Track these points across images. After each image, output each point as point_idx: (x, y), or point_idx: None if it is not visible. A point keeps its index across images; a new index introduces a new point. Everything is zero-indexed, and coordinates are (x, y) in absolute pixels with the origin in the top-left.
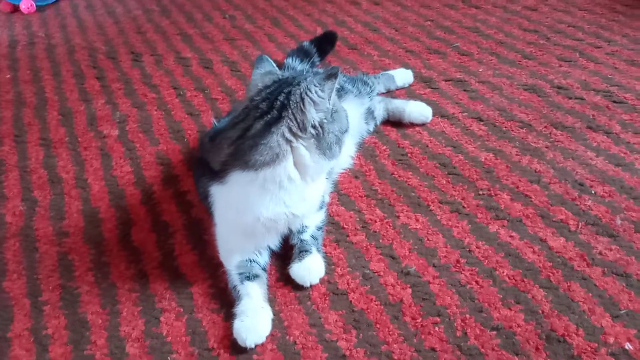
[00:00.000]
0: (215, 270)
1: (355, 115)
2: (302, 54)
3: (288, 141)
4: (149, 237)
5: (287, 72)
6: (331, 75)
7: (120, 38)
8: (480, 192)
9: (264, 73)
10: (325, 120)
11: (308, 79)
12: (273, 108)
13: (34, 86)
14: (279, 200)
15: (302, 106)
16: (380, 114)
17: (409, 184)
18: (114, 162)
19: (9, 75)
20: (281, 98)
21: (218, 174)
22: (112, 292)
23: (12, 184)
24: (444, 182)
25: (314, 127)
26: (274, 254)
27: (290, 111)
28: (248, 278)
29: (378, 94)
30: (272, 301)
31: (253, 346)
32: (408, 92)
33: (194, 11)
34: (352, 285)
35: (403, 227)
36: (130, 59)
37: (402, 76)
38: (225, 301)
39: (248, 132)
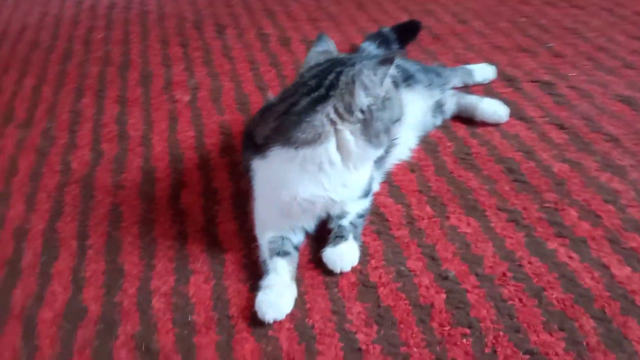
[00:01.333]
0: (251, 242)
1: (421, 107)
2: (380, 39)
3: (332, 122)
4: (197, 201)
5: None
6: (386, 61)
7: (208, 10)
8: (546, 205)
9: (321, 52)
10: (374, 107)
11: (363, 62)
12: (321, 86)
13: (123, 47)
14: (317, 182)
15: (352, 88)
16: (450, 108)
17: (467, 185)
18: (179, 126)
19: (102, 35)
20: (331, 77)
21: (260, 148)
22: (152, 247)
23: (84, 135)
24: (507, 188)
25: (362, 111)
26: (310, 235)
27: (338, 91)
28: (278, 254)
29: (454, 88)
30: (299, 281)
31: (271, 321)
32: (486, 90)
33: None
34: (384, 280)
35: (451, 229)
36: (214, 30)
37: (483, 71)
38: (254, 273)
39: (293, 107)
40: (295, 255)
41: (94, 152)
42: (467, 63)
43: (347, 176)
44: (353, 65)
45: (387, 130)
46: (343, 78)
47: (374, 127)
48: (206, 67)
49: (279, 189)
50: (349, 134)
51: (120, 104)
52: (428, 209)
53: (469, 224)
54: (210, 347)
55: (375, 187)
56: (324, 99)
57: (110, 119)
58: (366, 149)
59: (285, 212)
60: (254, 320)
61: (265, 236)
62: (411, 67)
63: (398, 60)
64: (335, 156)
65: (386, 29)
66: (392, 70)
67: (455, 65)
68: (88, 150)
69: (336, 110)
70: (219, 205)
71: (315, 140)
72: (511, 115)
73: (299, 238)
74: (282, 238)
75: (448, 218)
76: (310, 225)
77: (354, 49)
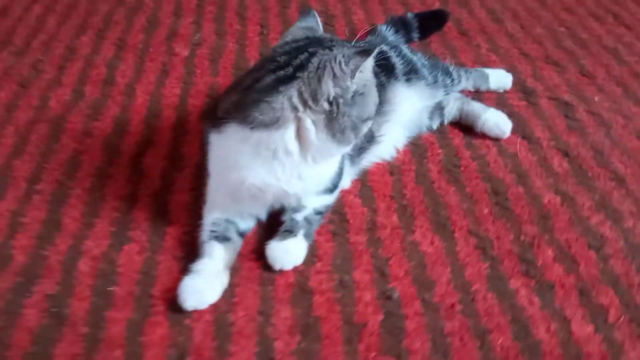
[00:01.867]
0: (198, 219)
1: (417, 105)
2: (400, 25)
3: (294, 108)
4: (159, 164)
5: (375, 39)
6: (363, 53)
7: None
8: (522, 238)
9: (304, 27)
10: (342, 100)
11: (342, 49)
12: (290, 65)
13: None
14: (270, 170)
15: (321, 73)
16: (451, 112)
17: (444, 200)
18: (168, 81)
19: None
20: (303, 57)
21: (218, 122)
22: (98, 204)
23: (72, 73)
24: (486, 211)
25: (329, 102)
26: (262, 223)
27: (306, 74)
28: (217, 238)
29: (463, 91)
30: (235, 271)
31: (191, 309)
32: (499, 99)
33: None
34: (324, 287)
35: (412, 245)
36: None
37: (499, 78)
38: (192, 253)
39: (256, 84)
40: (237, 242)
41: (75, 94)
42: (487, 66)
43: (304, 169)
44: (330, 49)
45: (355, 128)
46: (314, 60)
47: (339, 121)
48: (215, 24)
49: (229, 170)
50: (311, 123)
51: (117, 48)
52: (394, 218)
53: (432, 243)
54: (121, 324)
55: (346, 184)
56: (289, 79)
57: (103, 61)
58: (328, 144)
59: (233, 195)
60: (174, 305)
61: (210, 216)
62: (418, 61)
63: (405, 51)
64: (293, 145)
65: (410, 15)
66: (370, 64)
67: (475, 66)
68: (70, 90)
69: (300, 95)
70: (180, 173)
71: (273, 123)
72: (516, 131)
73: (247, 224)
74: (228, 222)
75: (413, 232)
76: (261, 213)
77: (371, 31)
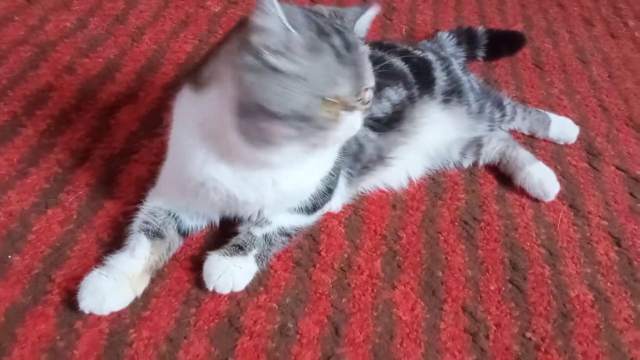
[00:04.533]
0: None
1: (449, 134)
2: (465, 37)
3: (234, 65)
4: (131, 124)
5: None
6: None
7: None
8: (528, 335)
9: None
10: (253, 64)
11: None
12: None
13: None
14: (214, 160)
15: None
16: (490, 153)
17: (446, 258)
18: (183, 35)
19: None
20: None
21: (182, 85)
22: (43, 152)
23: (86, 0)
24: (493, 287)
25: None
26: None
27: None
28: (147, 232)
29: (511, 132)
30: (160, 277)
31: (87, 312)
32: (555, 153)
33: None
34: (258, 329)
35: (386, 305)
36: None
37: (563, 128)
38: (119, 240)
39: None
40: (174, 241)
41: (79, 22)
42: (554, 110)
43: (251, 172)
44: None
45: (260, 128)
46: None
47: (243, 101)
48: None
49: (175, 148)
50: (232, 89)
51: None
52: (377, 263)
53: (412, 309)
54: (2, 305)
55: (335, 206)
56: (237, 29)
57: None
58: (234, 137)
59: (177, 183)
60: (71, 300)
61: (150, 203)
62: (467, 82)
63: (454, 66)
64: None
65: (481, 29)
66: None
67: (540, 106)
68: (74, 18)
69: (238, 49)
70: (149, 140)
71: (210, 82)
72: (563, 197)
73: (194, 223)
74: (169, 215)
75: (393, 288)
76: (213, 216)
77: (430, 36)
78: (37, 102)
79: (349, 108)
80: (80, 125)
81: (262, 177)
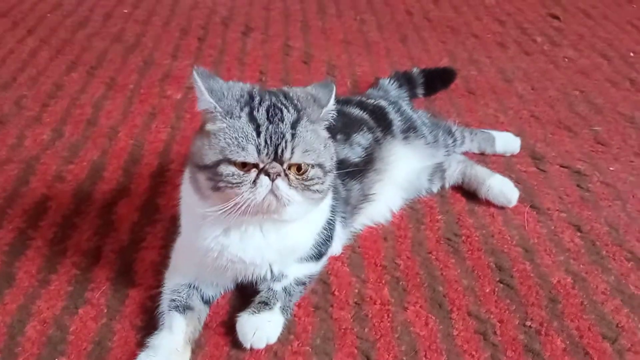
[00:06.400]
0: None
1: (415, 165)
2: (404, 80)
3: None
4: (131, 215)
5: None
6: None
7: (244, 9)
8: (528, 324)
9: None
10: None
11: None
12: None
13: (140, 28)
14: (220, 230)
15: None
16: (453, 175)
17: (442, 274)
18: (155, 125)
19: (126, 10)
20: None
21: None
22: (58, 259)
23: (55, 112)
24: (488, 289)
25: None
26: (238, 288)
27: None
28: (177, 308)
29: (467, 154)
30: (199, 347)
31: None
32: (505, 163)
33: (330, 5)
34: None
35: (403, 326)
36: (240, 30)
37: (506, 142)
38: (153, 323)
39: None
40: (202, 310)
41: (54, 133)
42: (495, 128)
43: (243, 232)
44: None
45: (195, 178)
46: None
47: (190, 158)
48: (213, 67)
49: (186, 225)
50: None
51: (106, 87)
52: (385, 291)
53: (426, 324)
54: None
55: (337, 250)
56: None
57: (89, 100)
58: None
59: (193, 259)
60: None
61: (170, 282)
62: (418, 118)
63: (404, 107)
64: None
65: (416, 70)
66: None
67: (482, 127)
68: (49, 130)
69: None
70: (153, 227)
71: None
72: (524, 200)
73: (213, 291)
74: (190, 287)
75: (405, 309)
76: (227, 285)
77: (373, 84)
78: (38, 214)
79: (260, 172)
80: (84, 227)
81: (255, 238)
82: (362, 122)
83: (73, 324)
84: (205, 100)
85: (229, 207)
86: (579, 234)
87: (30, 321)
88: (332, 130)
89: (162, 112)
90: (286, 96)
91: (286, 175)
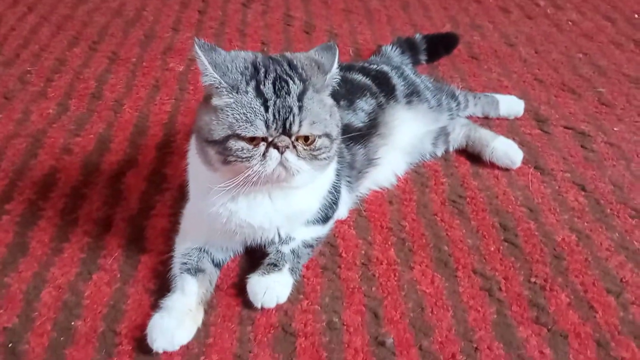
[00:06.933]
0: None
1: (419, 129)
2: (407, 46)
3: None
4: (140, 185)
5: (379, 59)
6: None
7: None
8: (532, 280)
9: None
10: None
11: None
12: None
13: (139, 2)
14: (228, 196)
15: None
16: (457, 139)
17: (447, 234)
18: (159, 97)
19: None
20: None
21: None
22: (70, 228)
23: (59, 86)
24: (493, 248)
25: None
26: (248, 251)
27: None
28: (189, 271)
29: (471, 118)
30: (212, 308)
31: (160, 351)
32: (509, 126)
33: None
34: (309, 329)
35: (410, 284)
36: (240, 2)
37: (510, 105)
38: (165, 285)
39: None
40: (212, 273)
41: (60, 107)
42: (498, 92)
43: (251, 199)
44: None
45: (204, 151)
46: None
47: (196, 132)
48: (214, 39)
49: (195, 191)
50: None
51: (109, 61)
52: (392, 252)
53: (432, 282)
54: None
55: (342, 214)
56: None
57: (92, 74)
58: (197, 159)
59: (202, 224)
60: (142, 345)
61: (181, 247)
62: (421, 83)
63: (407, 72)
64: None
65: (418, 37)
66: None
67: (485, 91)
68: (55, 104)
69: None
70: (161, 195)
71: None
72: (528, 161)
73: (223, 254)
74: (200, 251)
75: (411, 269)
76: (236, 248)
77: (375, 51)
78: (48, 186)
79: (269, 146)
80: (94, 197)
81: (264, 204)
82: (365, 88)
83: (87, 289)
84: (209, 75)
85: (240, 180)
86: (583, 193)
87: (45, 287)
88: (336, 97)
89: (165, 85)
90: (290, 64)
91: (294, 146)
